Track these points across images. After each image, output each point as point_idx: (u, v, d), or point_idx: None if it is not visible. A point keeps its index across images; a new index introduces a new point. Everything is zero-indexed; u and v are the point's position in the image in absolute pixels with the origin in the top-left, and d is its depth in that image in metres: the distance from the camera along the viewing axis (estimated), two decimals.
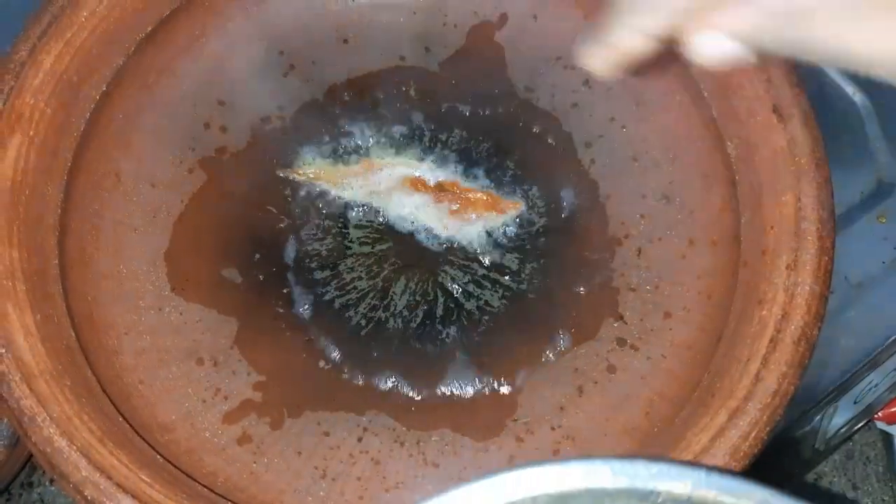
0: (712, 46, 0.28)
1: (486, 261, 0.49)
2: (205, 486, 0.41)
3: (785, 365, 0.39)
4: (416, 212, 0.50)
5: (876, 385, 0.56)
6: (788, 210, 0.42)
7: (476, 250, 0.49)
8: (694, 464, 0.27)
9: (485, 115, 0.52)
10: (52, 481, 0.66)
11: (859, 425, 0.62)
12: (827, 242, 0.41)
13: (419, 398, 0.46)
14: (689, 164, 0.49)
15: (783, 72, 0.44)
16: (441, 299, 0.48)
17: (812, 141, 0.42)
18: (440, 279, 0.48)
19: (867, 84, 0.60)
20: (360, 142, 0.51)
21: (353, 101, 0.52)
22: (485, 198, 0.49)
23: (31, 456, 0.56)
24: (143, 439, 0.41)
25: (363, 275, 0.49)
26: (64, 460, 0.36)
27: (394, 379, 0.46)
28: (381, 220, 0.50)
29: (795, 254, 0.41)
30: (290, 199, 0.50)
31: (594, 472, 0.27)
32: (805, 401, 0.52)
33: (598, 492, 0.27)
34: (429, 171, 0.51)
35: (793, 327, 0.40)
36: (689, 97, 0.49)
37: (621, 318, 0.47)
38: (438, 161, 0.51)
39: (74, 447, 0.37)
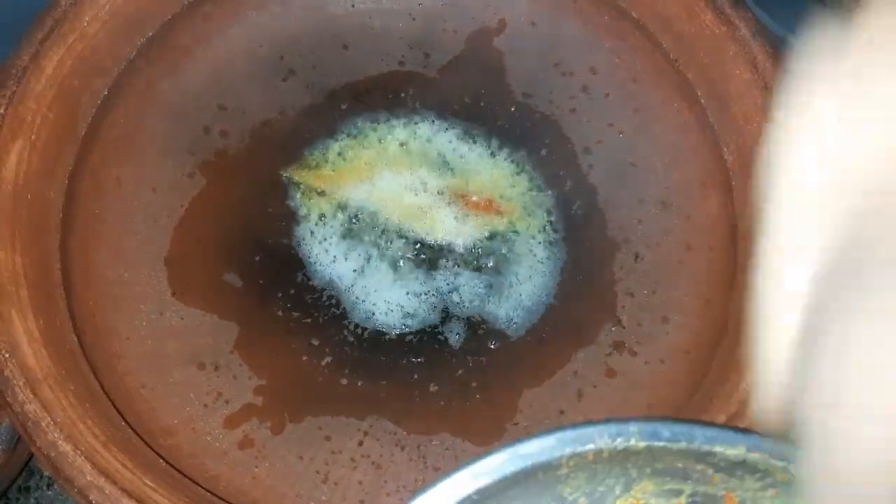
0: None
1: (489, 264, 0.49)
2: (207, 491, 0.41)
3: None
4: (417, 214, 0.50)
5: None
6: None
7: (477, 254, 0.49)
8: (746, 430, 0.28)
9: (483, 119, 0.52)
10: (49, 486, 0.66)
11: None
12: None
13: (419, 402, 0.46)
14: (686, 170, 0.49)
15: (780, 78, 0.45)
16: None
17: None
18: (439, 282, 0.49)
19: None
20: (359, 146, 0.52)
21: (352, 105, 0.52)
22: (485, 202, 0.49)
23: (28, 460, 0.56)
24: (146, 443, 0.41)
25: None
26: (69, 465, 0.37)
27: (394, 383, 0.46)
28: (382, 222, 0.50)
29: None
30: (290, 203, 0.50)
31: (654, 431, 0.28)
32: None
33: (658, 450, 0.28)
34: (427, 175, 0.51)
35: None
36: (686, 104, 0.49)
37: (619, 322, 0.47)
38: (436, 167, 0.51)
39: (79, 451, 0.37)
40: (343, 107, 0.52)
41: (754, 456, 0.28)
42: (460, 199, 0.50)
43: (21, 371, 0.38)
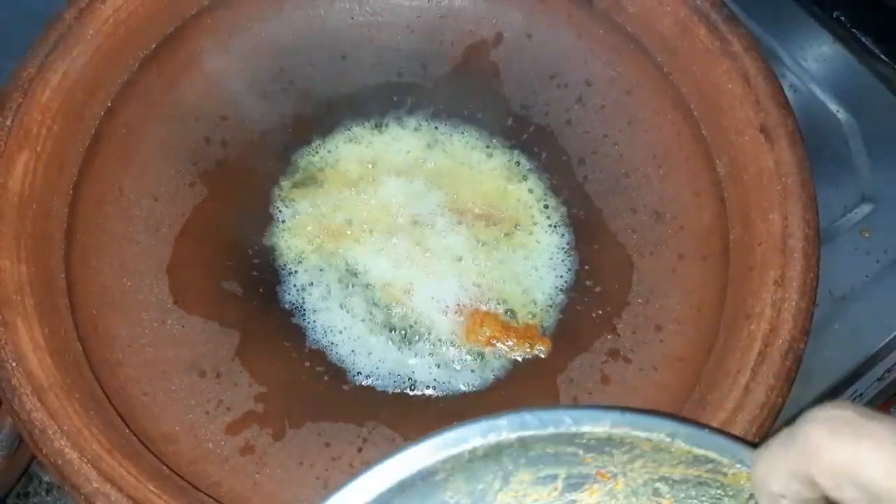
0: None
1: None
2: (209, 496, 0.42)
3: (773, 378, 0.40)
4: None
5: (860, 395, 0.58)
6: (775, 228, 0.43)
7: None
8: (611, 407, 0.29)
9: (480, 130, 0.53)
10: (48, 491, 0.66)
11: None
12: (812, 260, 0.42)
13: (417, 409, 0.47)
14: (679, 181, 0.50)
15: (771, 93, 0.46)
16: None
17: (798, 162, 0.44)
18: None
19: (850, 101, 0.62)
20: (358, 156, 0.52)
21: (351, 116, 0.53)
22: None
23: (27, 466, 0.56)
24: (149, 450, 0.42)
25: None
26: (75, 472, 0.37)
27: (392, 389, 0.47)
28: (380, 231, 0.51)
29: (782, 270, 0.42)
30: (289, 211, 0.51)
31: (523, 421, 0.29)
32: (791, 412, 0.53)
33: (528, 439, 0.29)
34: (424, 185, 0.52)
35: (780, 341, 0.41)
36: (680, 116, 0.50)
37: (615, 330, 0.48)
38: (433, 177, 0.52)
39: (85, 459, 0.37)
40: (342, 116, 0.53)
41: (619, 430, 0.29)
42: (457, 212, 0.51)
43: (27, 379, 0.39)
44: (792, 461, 0.25)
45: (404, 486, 0.28)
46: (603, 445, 0.29)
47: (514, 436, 0.29)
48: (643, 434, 0.29)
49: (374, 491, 0.28)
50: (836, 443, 0.23)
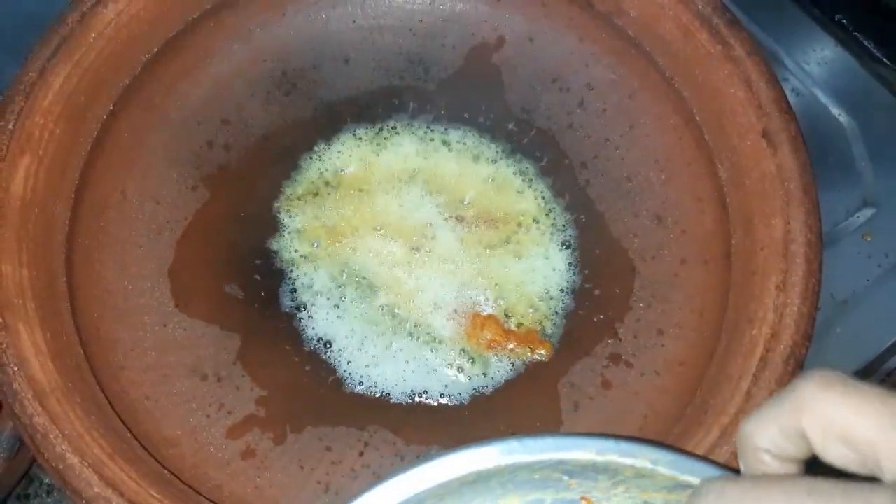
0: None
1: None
2: (211, 501, 0.42)
3: (775, 383, 0.40)
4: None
5: None
6: (778, 233, 0.43)
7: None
8: (595, 434, 0.29)
9: (482, 134, 0.53)
10: (48, 493, 0.66)
11: None
12: (814, 265, 0.42)
13: (418, 414, 0.47)
14: (681, 185, 0.50)
15: (773, 97, 0.46)
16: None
17: (801, 166, 0.44)
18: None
19: (852, 105, 0.62)
20: (360, 159, 0.52)
21: (353, 119, 0.53)
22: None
23: (28, 468, 0.56)
24: (150, 454, 0.42)
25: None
26: (76, 476, 0.37)
27: (394, 394, 0.47)
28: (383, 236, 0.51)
29: (784, 275, 0.42)
30: (292, 216, 0.51)
31: (509, 448, 0.29)
32: None
33: (515, 466, 0.29)
34: (425, 190, 0.52)
35: (782, 346, 0.41)
36: (682, 120, 0.50)
37: (616, 335, 0.48)
38: (435, 180, 0.52)
39: (86, 463, 0.37)
40: (344, 120, 0.53)
41: (603, 458, 0.29)
42: (459, 216, 0.51)
43: (29, 384, 0.39)
44: (783, 415, 0.25)
45: None
46: (587, 471, 0.30)
47: (502, 462, 0.29)
48: (627, 461, 0.29)
49: None
50: (827, 395, 0.24)
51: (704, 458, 0.30)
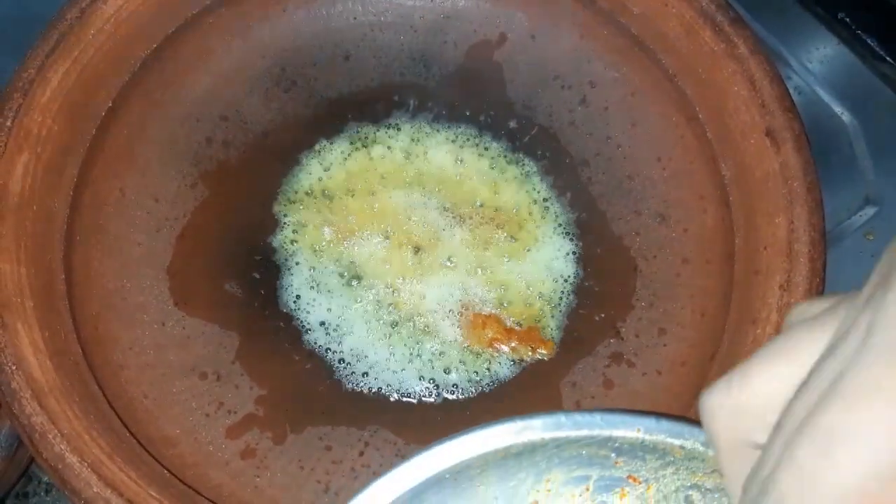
0: None
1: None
2: (210, 501, 0.41)
3: None
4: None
5: None
6: (781, 232, 0.43)
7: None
8: (644, 412, 0.29)
9: (483, 131, 0.53)
10: (47, 492, 0.66)
11: None
12: (818, 264, 0.42)
13: (418, 413, 0.47)
14: (683, 184, 0.50)
15: (777, 95, 0.45)
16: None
17: (804, 165, 0.43)
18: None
19: (855, 103, 0.62)
20: (360, 156, 0.52)
21: (353, 116, 0.53)
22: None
23: (27, 466, 0.56)
24: (150, 454, 0.41)
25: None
26: (75, 476, 0.37)
27: (394, 393, 0.47)
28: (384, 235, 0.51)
29: (788, 274, 0.42)
30: (291, 213, 0.51)
31: (557, 422, 0.29)
32: None
33: (562, 440, 0.29)
34: (428, 187, 0.51)
35: None
36: (684, 119, 0.50)
37: (618, 334, 0.48)
38: (437, 178, 0.52)
39: (85, 463, 0.37)
40: (344, 117, 0.53)
41: (652, 438, 0.29)
42: (460, 214, 0.51)
43: (27, 383, 0.38)
44: (725, 390, 0.23)
45: (439, 480, 0.29)
46: (636, 450, 0.30)
47: (548, 436, 0.29)
48: (677, 441, 0.29)
49: (408, 483, 0.29)
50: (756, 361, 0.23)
51: None
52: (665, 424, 0.29)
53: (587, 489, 0.32)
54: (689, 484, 0.30)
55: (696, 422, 0.29)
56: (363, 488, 0.29)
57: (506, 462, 0.30)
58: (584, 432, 0.29)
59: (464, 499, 0.31)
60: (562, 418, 0.29)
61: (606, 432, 0.29)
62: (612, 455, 0.30)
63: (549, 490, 0.31)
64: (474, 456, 0.29)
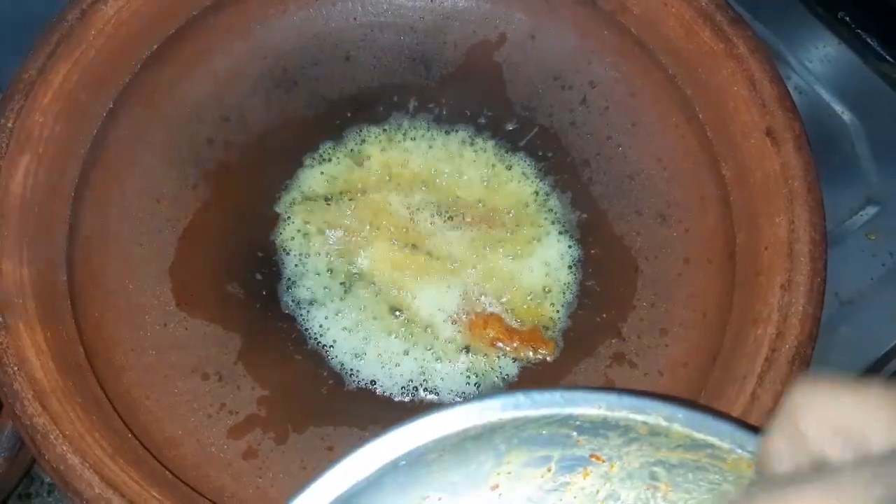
0: None
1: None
2: (212, 502, 0.42)
3: (780, 384, 0.40)
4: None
5: None
6: (782, 232, 0.43)
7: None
8: (606, 388, 0.28)
9: (483, 131, 0.53)
10: (49, 492, 0.66)
11: None
12: (819, 264, 0.42)
13: (420, 411, 0.47)
14: (684, 184, 0.50)
15: (777, 95, 0.45)
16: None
17: (805, 165, 0.43)
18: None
19: (856, 103, 0.62)
20: (361, 156, 0.52)
21: (354, 116, 0.53)
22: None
23: (30, 467, 0.56)
24: (152, 455, 0.41)
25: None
26: (77, 477, 0.37)
27: (396, 393, 0.47)
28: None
29: (789, 274, 0.42)
30: (292, 214, 0.51)
31: (514, 402, 0.28)
32: None
33: (521, 420, 0.28)
34: (426, 187, 0.51)
35: (787, 346, 0.41)
36: (684, 119, 0.50)
37: (619, 334, 0.48)
38: (436, 178, 0.52)
39: (87, 464, 0.37)
40: (345, 117, 0.53)
41: (614, 414, 0.28)
42: (461, 214, 0.51)
43: (29, 384, 0.38)
44: (781, 426, 0.24)
45: (395, 466, 0.28)
46: (598, 428, 0.29)
47: (507, 416, 0.28)
48: (640, 417, 0.28)
49: (367, 469, 0.28)
50: (817, 390, 0.24)
51: (723, 415, 0.28)
52: (627, 400, 0.28)
53: (549, 470, 0.31)
54: (653, 460, 0.30)
55: (658, 396, 0.28)
56: (311, 481, 0.28)
57: (464, 445, 0.29)
58: (543, 411, 0.28)
59: (423, 484, 0.30)
60: (520, 398, 0.28)
61: (567, 410, 0.28)
62: (574, 434, 0.29)
63: (509, 472, 0.30)
64: (431, 440, 0.28)
